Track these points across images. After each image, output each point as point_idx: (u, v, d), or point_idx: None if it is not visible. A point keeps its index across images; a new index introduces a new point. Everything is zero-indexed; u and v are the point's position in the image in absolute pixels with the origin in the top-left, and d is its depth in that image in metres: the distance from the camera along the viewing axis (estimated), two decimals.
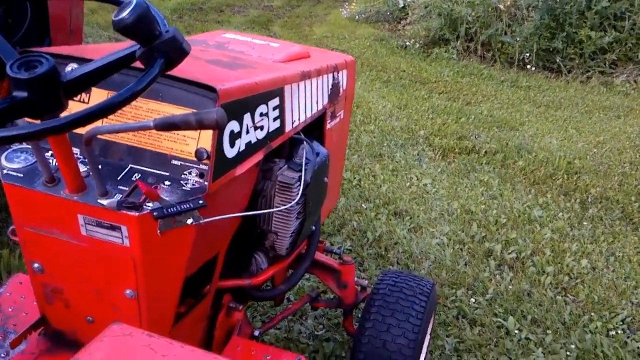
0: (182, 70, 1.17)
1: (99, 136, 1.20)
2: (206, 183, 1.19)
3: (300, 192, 1.56)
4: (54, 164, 1.20)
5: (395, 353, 1.75)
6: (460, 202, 3.66)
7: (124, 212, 1.11)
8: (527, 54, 7.55)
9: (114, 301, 1.23)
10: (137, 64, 1.04)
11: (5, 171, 1.19)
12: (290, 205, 1.55)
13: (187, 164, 1.21)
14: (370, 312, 1.85)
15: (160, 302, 1.26)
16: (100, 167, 1.19)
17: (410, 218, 3.39)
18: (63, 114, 1.01)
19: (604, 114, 6.13)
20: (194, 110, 1.18)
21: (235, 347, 1.49)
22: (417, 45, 8.69)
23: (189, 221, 1.16)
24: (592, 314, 2.63)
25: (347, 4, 11.49)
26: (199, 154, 1.19)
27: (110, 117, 1.21)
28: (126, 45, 1.07)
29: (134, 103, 1.17)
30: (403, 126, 5.21)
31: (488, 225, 3.37)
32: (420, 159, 4.47)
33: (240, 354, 1.48)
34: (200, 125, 1.05)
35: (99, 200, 1.12)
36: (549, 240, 3.26)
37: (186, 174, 1.21)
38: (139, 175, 1.20)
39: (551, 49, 7.50)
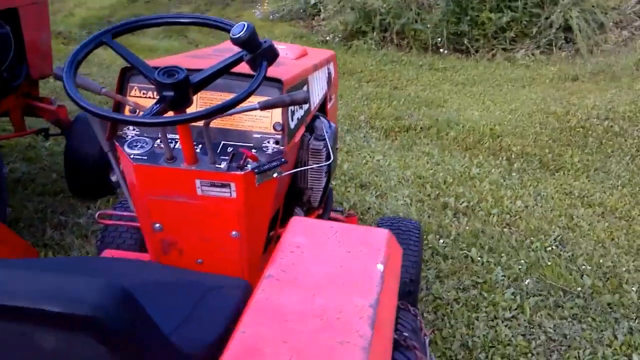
0: (244, 69, 1.68)
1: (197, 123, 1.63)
2: (282, 147, 1.71)
3: (326, 155, 2.11)
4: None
5: (404, 274, 2.34)
6: (411, 170, 4.33)
7: (233, 172, 1.58)
8: (439, 39, 8.38)
9: (221, 243, 1.67)
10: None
11: (132, 156, 1.63)
12: (322, 165, 2.10)
13: (265, 135, 1.72)
14: None
15: (254, 237, 1.73)
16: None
17: (374, 187, 4.03)
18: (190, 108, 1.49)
19: (511, 86, 7.04)
20: (267, 97, 1.72)
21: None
22: (337, 39, 9.32)
23: (275, 175, 1.64)
24: (532, 238, 3.36)
25: (258, 4, 11.89)
26: (277, 126, 1.72)
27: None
28: (221, 54, 1.55)
29: (211, 95, 1.68)
30: (344, 114, 5.83)
31: (439, 185, 4.06)
32: (367, 140, 5.11)
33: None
34: (292, 103, 1.59)
35: (216, 166, 1.59)
36: (489, 191, 3.99)
37: (265, 143, 1.71)
38: (231, 148, 1.68)
39: (459, 33, 8.37)
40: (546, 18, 8.20)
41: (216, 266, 1.70)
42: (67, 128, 3.44)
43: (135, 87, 1.76)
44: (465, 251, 3.19)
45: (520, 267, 3.05)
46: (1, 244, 1.38)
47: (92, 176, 3.34)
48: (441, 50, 8.42)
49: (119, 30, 1.56)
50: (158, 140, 1.70)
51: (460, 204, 3.76)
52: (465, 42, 8.34)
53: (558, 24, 8.10)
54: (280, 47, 2.46)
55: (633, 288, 2.90)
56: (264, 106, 1.59)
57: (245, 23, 1.44)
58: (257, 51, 1.47)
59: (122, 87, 1.76)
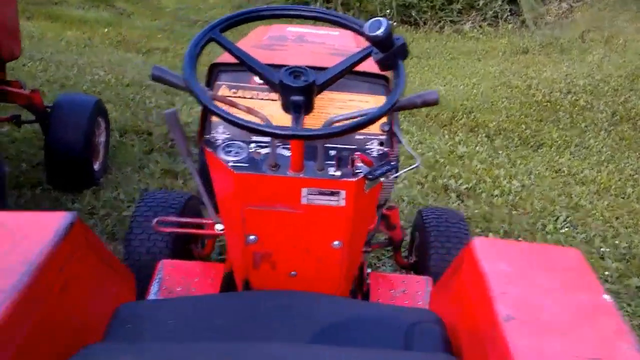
0: (331, 63, 1.47)
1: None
2: (387, 149, 1.52)
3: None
4: (262, 153, 1.45)
5: None
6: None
7: (345, 179, 1.40)
8: (388, 11, 8.22)
9: (319, 254, 1.50)
10: None
11: (230, 164, 1.42)
12: (414, 167, 1.89)
13: (368, 137, 1.52)
14: (430, 242, 2.23)
15: (355, 248, 1.56)
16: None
17: None
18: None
19: (467, 58, 7.00)
20: (375, 96, 1.50)
21: (377, 278, 1.84)
22: None
23: (382, 179, 1.47)
24: (542, 220, 3.29)
25: None
26: (384, 127, 1.51)
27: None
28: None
29: (320, 95, 1.44)
30: None
31: (432, 166, 3.91)
32: None
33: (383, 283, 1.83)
34: (424, 104, 1.37)
35: (325, 173, 1.40)
36: (482, 170, 3.89)
37: (369, 145, 1.53)
38: (334, 151, 1.48)
39: (407, 4, 8.24)
40: None
41: (311, 278, 1.55)
42: (41, 114, 3.00)
43: (224, 85, 1.55)
44: (483, 237, 3.06)
45: None
46: (108, 270, 1.15)
47: (75, 166, 2.96)
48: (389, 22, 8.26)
49: (226, 24, 1.31)
50: (252, 145, 1.50)
51: (460, 186, 3.62)
52: (414, 14, 8.23)
53: None
54: (331, 33, 2.20)
55: None
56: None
57: (381, 20, 1.23)
58: (391, 49, 1.25)
59: (209, 84, 1.58)
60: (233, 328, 1.00)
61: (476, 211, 3.32)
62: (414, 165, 1.61)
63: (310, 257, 1.52)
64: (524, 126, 4.77)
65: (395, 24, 8.22)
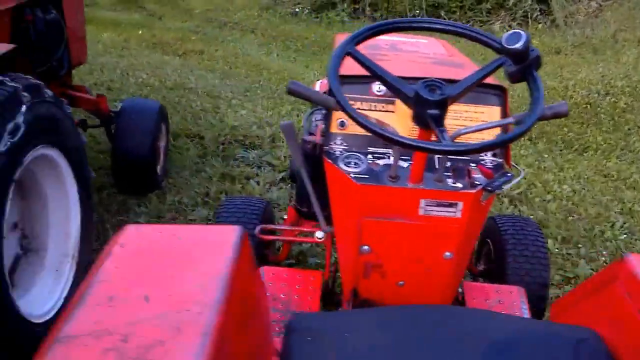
0: (439, 73, 1.49)
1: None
2: (501, 160, 1.56)
3: None
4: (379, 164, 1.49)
5: (537, 278, 2.16)
6: None
7: (465, 191, 1.43)
8: (417, 11, 8.23)
9: (430, 264, 1.54)
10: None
11: (352, 175, 1.46)
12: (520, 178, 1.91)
13: None
14: (507, 250, 2.23)
15: (465, 258, 1.61)
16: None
17: None
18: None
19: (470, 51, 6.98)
20: (488, 107, 1.53)
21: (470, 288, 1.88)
22: (306, 11, 9.01)
23: (497, 190, 1.50)
24: (597, 226, 3.30)
25: None
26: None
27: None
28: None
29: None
30: None
31: None
32: None
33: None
34: (554, 116, 1.40)
35: (444, 184, 1.44)
36: (531, 175, 3.90)
37: (482, 156, 1.57)
38: (449, 162, 1.51)
39: (436, 4, 8.24)
40: None
41: (418, 288, 1.60)
42: (106, 119, 3.06)
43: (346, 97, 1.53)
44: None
45: (603, 259, 2.97)
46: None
47: (141, 170, 3.03)
48: None
49: (362, 37, 1.35)
50: (369, 156, 1.55)
51: (512, 191, 3.64)
52: (442, 14, 8.22)
53: None
54: (421, 40, 2.22)
55: None
56: (519, 120, 1.41)
57: (520, 33, 1.27)
58: (526, 61, 1.28)
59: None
60: (408, 345, 1.03)
61: (531, 217, 3.33)
62: (520, 176, 1.64)
63: (420, 268, 1.56)
64: (566, 129, 4.77)
65: None
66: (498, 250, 2.31)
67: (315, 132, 1.71)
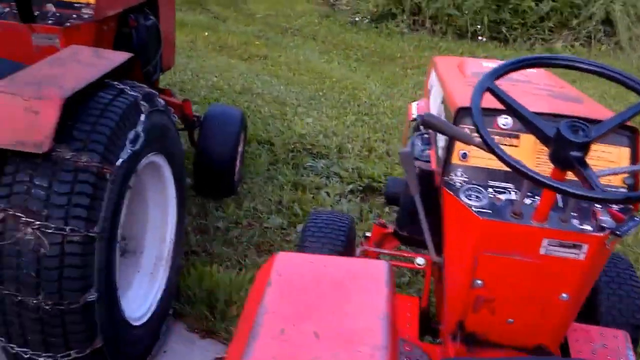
0: (564, 109, 1.48)
1: None
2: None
3: None
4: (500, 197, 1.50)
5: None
6: None
7: (593, 233, 1.40)
8: (479, 26, 8.18)
9: (544, 305, 1.52)
10: None
11: (474, 209, 1.47)
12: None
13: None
14: (600, 288, 2.14)
15: (580, 301, 1.57)
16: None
17: None
18: None
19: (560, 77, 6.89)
20: (617, 147, 1.54)
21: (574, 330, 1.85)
22: (365, 21, 9.04)
23: (624, 235, 1.44)
24: None
25: None
26: (628, 180, 1.53)
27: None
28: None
29: None
30: (404, 106, 5.62)
31: None
32: None
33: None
34: None
35: (570, 225, 1.42)
36: None
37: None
38: (576, 202, 1.45)
39: (498, 21, 8.18)
40: (585, 7, 8.07)
41: (528, 328, 1.58)
42: (190, 123, 3.16)
43: (466, 129, 1.58)
44: None
45: None
46: None
47: (222, 175, 3.13)
48: (479, 37, 8.22)
49: (502, 72, 1.35)
50: (490, 190, 1.54)
51: None
52: (504, 30, 8.16)
53: (599, 15, 7.99)
54: (530, 70, 2.17)
55: None
56: None
57: None
58: None
59: None
60: None
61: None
62: None
63: (533, 307, 1.54)
64: None
65: (484, 39, 8.18)
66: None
67: (422, 158, 1.74)
